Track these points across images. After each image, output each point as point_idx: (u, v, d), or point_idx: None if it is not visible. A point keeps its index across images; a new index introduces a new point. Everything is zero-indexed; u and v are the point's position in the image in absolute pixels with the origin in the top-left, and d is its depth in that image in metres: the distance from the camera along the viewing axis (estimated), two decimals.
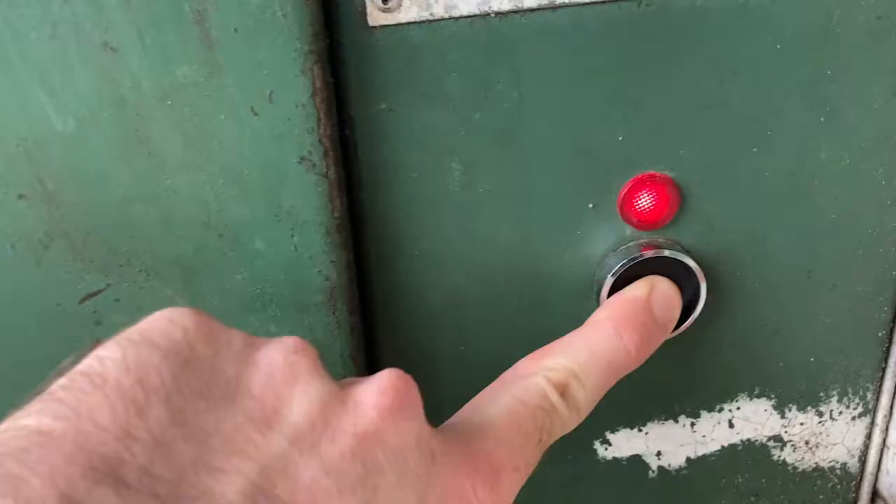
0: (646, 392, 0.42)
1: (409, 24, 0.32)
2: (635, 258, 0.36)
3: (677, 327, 0.38)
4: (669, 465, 0.44)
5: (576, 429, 0.42)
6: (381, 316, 0.38)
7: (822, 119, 0.36)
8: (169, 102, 0.31)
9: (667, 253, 0.37)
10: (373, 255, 0.37)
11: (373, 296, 0.38)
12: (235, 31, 0.30)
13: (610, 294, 0.37)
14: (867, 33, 0.34)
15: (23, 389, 0.34)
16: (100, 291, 0.34)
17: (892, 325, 0.42)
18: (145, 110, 0.31)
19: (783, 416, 0.43)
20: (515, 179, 0.36)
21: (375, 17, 0.32)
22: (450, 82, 0.34)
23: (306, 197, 0.33)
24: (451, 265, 0.37)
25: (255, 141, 0.32)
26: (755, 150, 0.36)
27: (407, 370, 0.40)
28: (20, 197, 0.32)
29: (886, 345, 0.42)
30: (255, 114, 0.31)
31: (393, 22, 0.32)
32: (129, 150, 0.32)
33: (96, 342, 0.32)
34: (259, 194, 0.33)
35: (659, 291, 0.36)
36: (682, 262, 0.37)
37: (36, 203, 0.32)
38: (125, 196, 0.33)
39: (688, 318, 0.38)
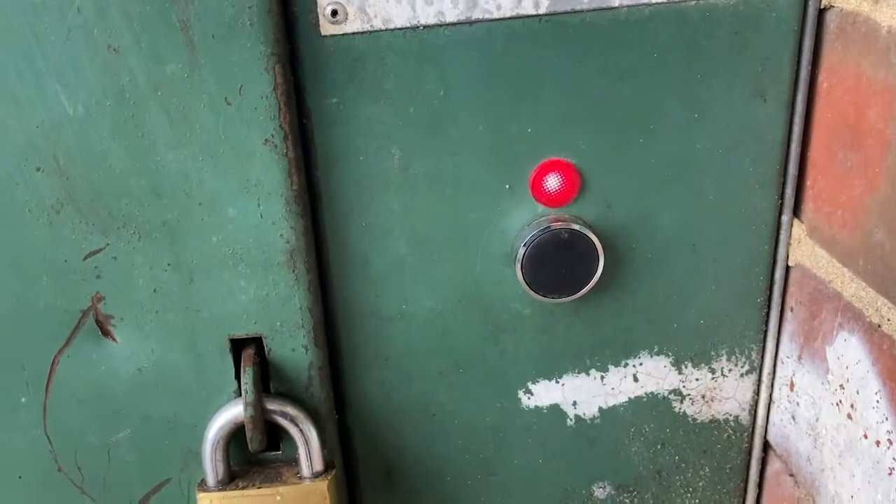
0: (560, 347, 0.49)
1: (353, 34, 0.40)
2: (543, 230, 0.44)
3: (579, 291, 0.46)
4: (584, 415, 0.52)
5: (502, 379, 0.50)
6: (336, 276, 0.46)
7: (696, 115, 0.44)
8: (159, 93, 0.39)
9: (571, 226, 0.44)
10: (328, 224, 0.44)
11: (328, 259, 0.45)
12: (213, 36, 0.38)
13: (525, 262, 0.44)
14: (728, 45, 0.42)
15: (33, 330, 0.42)
16: (100, 250, 0.42)
17: (768, 293, 0.49)
18: (140, 99, 0.39)
19: (680, 372, 0.51)
20: (445, 163, 0.44)
21: (326, 28, 0.40)
22: (388, 82, 0.41)
23: (270, 172, 0.41)
24: (393, 235, 0.45)
25: (228, 125, 0.40)
26: (641, 140, 0.44)
27: (357, 324, 0.48)
28: (38, 169, 0.40)
29: (765, 310, 0.50)
30: (229, 103, 0.39)
31: (340, 32, 0.40)
32: (127, 131, 0.39)
33: (96, 294, 0.40)
34: (231, 170, 0.41)
35: None
36: (584, 235, 0.44)
37: (50, 174, 0.40)
38: (122, 170, 0.40)
39: (588, 282, 0.46)
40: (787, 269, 0.49)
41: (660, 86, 0.43)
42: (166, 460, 0.48)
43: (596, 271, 0.46)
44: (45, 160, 0.40)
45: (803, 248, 0.48)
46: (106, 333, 0.44)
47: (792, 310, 0.50)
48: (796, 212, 0.48)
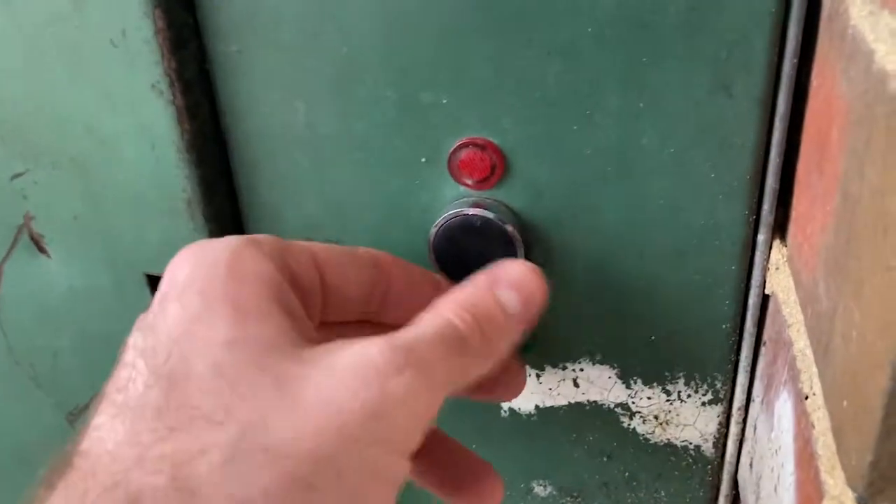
0: None
1: None
2: (454, 214, 0.39)
3: None
4: (520, 409, 0.47)
5: None
6: (251, 228, 0.44)
7: (642, 105, 0.36)
8: (50, 30, 0.38)
9: (485, 214, 0.39)
10: (239, 175, 0.43)
11: (241, 211, 0.44)
12: None
13: (435, 245, 0.40)
14: (681, 23, 0.34)
15: None
16: (22, 174, 0.43)
17: (738, 319, 0.42)
18: (34, 38, 0.39)
19: (629, 387, 0.45)
20: (353, 126, 0.40)
21: None
22: (285, 32, 0.38)
23: (159, 119, 0.39)
24: (305, 195, 0.42)
25: (117, 67, 0.38)
26: (575, 127, 0.37)
27: None
28: None
29: (734, 338, 0.42)
30: (115, 45, 0.38)
31: None
32: (31, 68, 0.40)
33: (27, 213, 0.42)
34: (126, 111, 0.40)
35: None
36: (499, 225, 0.39)
37: None
38: (35, 104, 0.41)
39: None
40: (765, 296, 0.41)
41: (597, 67, 0.36)
42: (106, 373, 0.50)
43: None
44: None
45: (781, 277, 0.39)
46: (41, 250, 0.46)
47: (764, 344, 0.42)
48: (781, 232, 0.39)
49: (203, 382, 0.27)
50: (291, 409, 0.27)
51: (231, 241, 0.32)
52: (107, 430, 0.27)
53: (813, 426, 0.32)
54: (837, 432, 0.29)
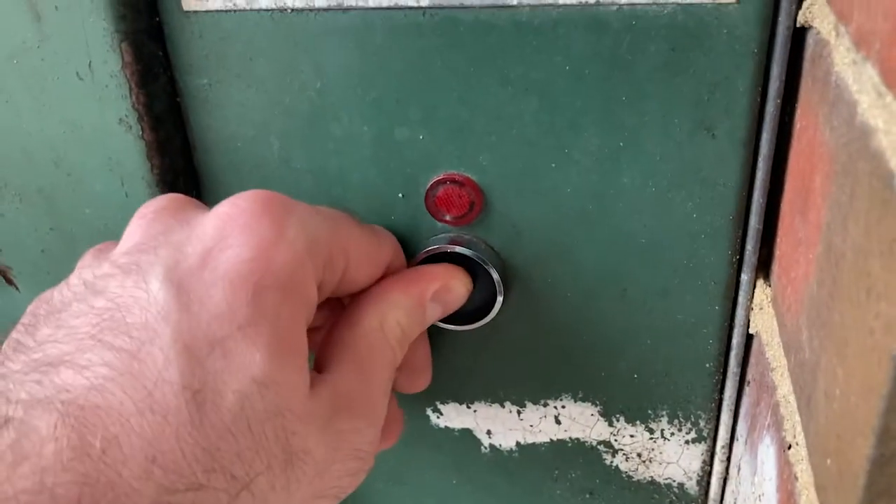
0: (469, 374, 0.44)
1: (217, 11, 0.36)
2: (432, 251, 0.39)
3: (476, 322, 0.40)
4: (500, 446, 0.46)
5: (411, 394, 0.45)
6: None
7: (622, 144, 0.35)
8: (15, 62, 0.37)
9: (464, 252, 0.38)
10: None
11: None
12: (56, 8, 0.35)
13: None
14: (662, 64, 0.33)
15: None
16: None
17: (721, 358, 0.41)
18: (1, 67, 0.37)
19: (611, 425, 0.44)
20: (328, 162, 0.39)
21: (188, 3, 0.36)
22: (259, 66, 0.37)
23: (128, 154, 0.38)
24: None
25: (84, 100, 0.37)
26: (553, 165, 0.37)
27: None
28: None
29: (718, 377, 0.41)
30: (81, 78, 0.37)
31: (203, 9, 0.36)
32: (1, 100, 0.38)
33: None
34: (94, 145, 0.39)
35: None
36: (479, 263, 0.38)
37: None
38: (1, 136, 0.40)
39: (487, 315, 0.40)
40: (749, 336, 0.40)
41: (575, 105, 0.35)
42: None
43: (494, 304, 0.40)
44: None
45: (764, 317, 0.38)
46: (9, 282, 0.45)
47: (748, 384, 0.41)
48: (765, 270, 0.39)
49: (231, 420, 0.26)
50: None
51: (297, 247, 0.29)
52: None
53: (796, 478, 0.31)
54: (821, 490, 0.28)
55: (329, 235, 0.32)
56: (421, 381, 0.41)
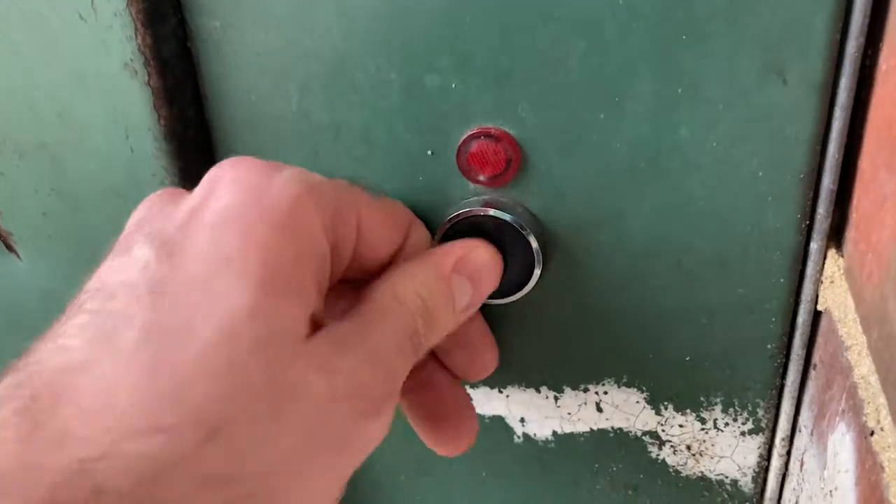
0: (502, 353, 0.40)
1: None
2: (465, 215, 0.35)
3: (512, 295, 0.36)
4: (535, 435, 0.43)
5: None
6: None
7: (680, 91, 0.32)
8: (19, 4, 0.34)
9: (501, 217, 0.35)
10: None
11: None
12: None
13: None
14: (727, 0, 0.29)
15: None
16: None
17: (785, 339, 0.37)
18: (3, 12, 0.34)
19: (658, 413, 0.40)
20: (352, 115, 0.35)
21: None
22: (276, 7, 0.34)
23: (133, 103, 0.35)
24: None
25: (87, 44, 0.34)
26: (602, 116, 0.33)
27: None
28: None
29: (780, 360, 0.37)
30: (83, 19, 0.34)
31: None
32: (2, 47, 0.35)
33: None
34: (98, 95, 0.35)
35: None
36: (517, 230, 0.35)
37: None
38: (2, 86, 0.37)
39: (524, 287, 0.36)
40: (817, 313, 0.36)
41: (628, 48, 0.31)
42: None
43: (531, 275, 0.36)
44: None
45: (836, 291, 0.34)
46: (10, 248, 0.42)
47: (815, 367, 0.37)
48: (836, 239, 0.35)
49: (202, 356, 0.23)
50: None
51: (292, 186, 0.27)
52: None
53: (882, 468, 0.27)
54: None
55: (334, 189, 0.30)
56: (484, 358, 0.37)
